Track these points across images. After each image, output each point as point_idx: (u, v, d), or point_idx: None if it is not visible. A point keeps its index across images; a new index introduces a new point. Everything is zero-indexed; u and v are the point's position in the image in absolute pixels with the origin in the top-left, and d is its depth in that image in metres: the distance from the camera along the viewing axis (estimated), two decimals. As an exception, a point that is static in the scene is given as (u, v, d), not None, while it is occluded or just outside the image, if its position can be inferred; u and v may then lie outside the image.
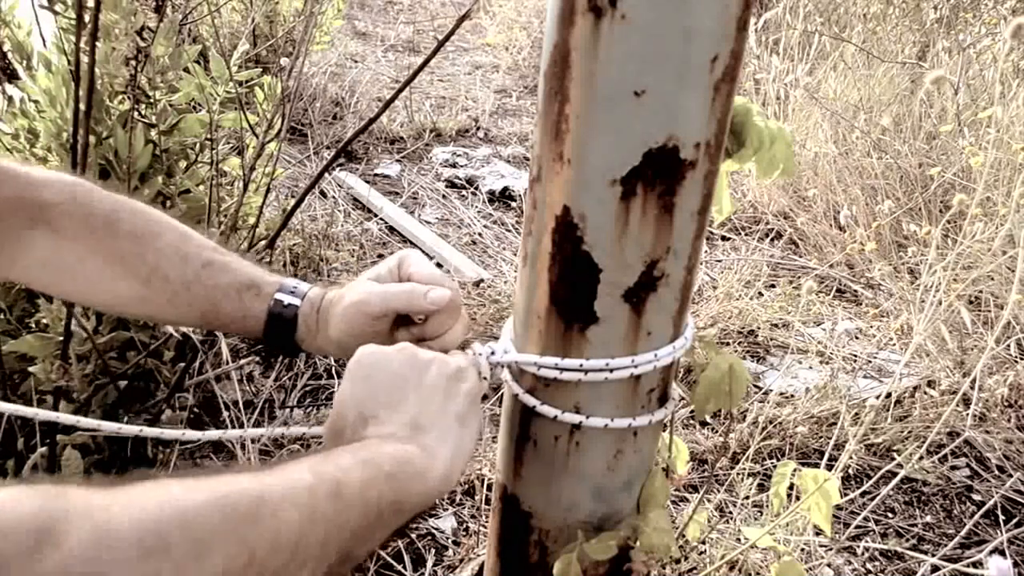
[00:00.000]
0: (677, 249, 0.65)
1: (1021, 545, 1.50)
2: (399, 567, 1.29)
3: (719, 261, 2.52)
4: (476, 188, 3.00)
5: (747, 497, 1.48)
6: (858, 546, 1.45)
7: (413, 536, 1.36)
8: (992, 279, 2.08)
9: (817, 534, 1.40)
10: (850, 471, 1.61)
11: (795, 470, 0.88)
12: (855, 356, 1.98)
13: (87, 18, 1.14)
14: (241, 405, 1.49)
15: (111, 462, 1.37)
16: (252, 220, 1.70)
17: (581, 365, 0.68)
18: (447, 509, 1.43)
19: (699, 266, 0.70)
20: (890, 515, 1.56)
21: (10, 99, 1.39)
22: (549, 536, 0.79)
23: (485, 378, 0.70)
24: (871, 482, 1.24)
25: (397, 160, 3.23)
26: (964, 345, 1.90)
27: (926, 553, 1.44)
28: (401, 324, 0.75)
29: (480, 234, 2.66)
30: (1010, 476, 1.64)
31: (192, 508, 0.44)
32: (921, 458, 1.63)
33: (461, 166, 3.20)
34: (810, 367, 1.90)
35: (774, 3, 3.22)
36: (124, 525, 0.41)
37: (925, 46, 3.18)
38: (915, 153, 2.54)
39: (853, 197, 2.55)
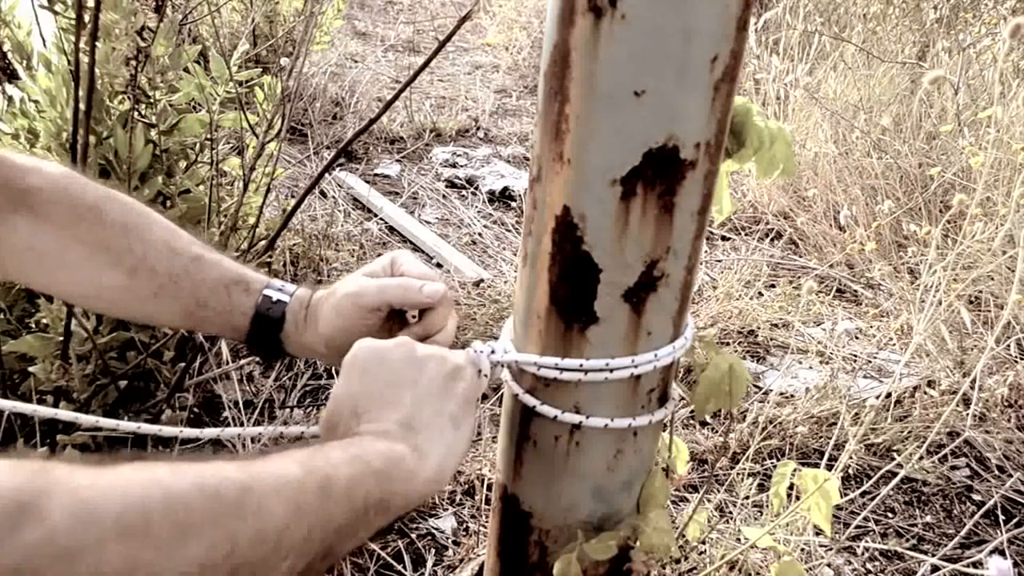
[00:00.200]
0: (677, 249, 0.65)
1: (1021, 545, 1.50)
2: (399, 567, 1.29)
3: (719, 261, 2.52)
4: (476, 188, 3.00)
5: (747, 497, 1.48)
6: (858, 546, 1.45)
7: (413, 536, 1.36)
8: (992, 279, 2.08)
9: (817, 534, 1.40)
10: (850, 471, 1.61)
11: (795, 470, 0.88)
12: (855, 356, 1.98)
13: (87, 18, 1.14)
14: (241, 405, 1.49)
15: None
16: (252, 220, 1.70)
17: (581, 365, 0.68)
18: (447, 509, 1.43)
19: (699, 266, 0.70)
20: (890, 515, 1.56)
21: (10, 99, 1.39)
22: (549, 536, 0.79)
23: (485, 376, 0.70)
24: (871, 482, 1.24)
25: (397, 160, 3.23)
26: (964, 345, 1.90)
27: (926, 553, 1.44)
28: (394, 322, 0.75)
29: (480, 234, 2.66)
30: (1010, 476, 1.64)
31: (177, 493, 0.44)
32: (921, 458, 1.63)
33: (461, 166, 3.20)
34: (810, 367, 1.90)
35: (774, 3, 3.22)
36: (107, 504, 0.41)
37: (925, 46, 3.18)
38: (915, 153, 2.54)
39: (853, 197, 2.55)
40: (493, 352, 0.71)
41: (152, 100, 1.42)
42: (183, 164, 1.54)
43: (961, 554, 1.44)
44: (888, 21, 3.27)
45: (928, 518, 1.55)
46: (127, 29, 1.28)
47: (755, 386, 1.85)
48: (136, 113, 1.39)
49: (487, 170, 3.14)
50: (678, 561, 1.31)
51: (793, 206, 2.73)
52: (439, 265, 2.41)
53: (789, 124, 2.85)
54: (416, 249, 2.52)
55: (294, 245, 2.22)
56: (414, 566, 1.30)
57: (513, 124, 3.79)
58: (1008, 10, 2.96)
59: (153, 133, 1.43)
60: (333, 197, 2.71)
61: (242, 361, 1.61)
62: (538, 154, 0.65)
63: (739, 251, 2.58)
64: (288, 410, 1.66)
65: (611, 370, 0.68)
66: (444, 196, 2.95)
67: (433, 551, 1.33)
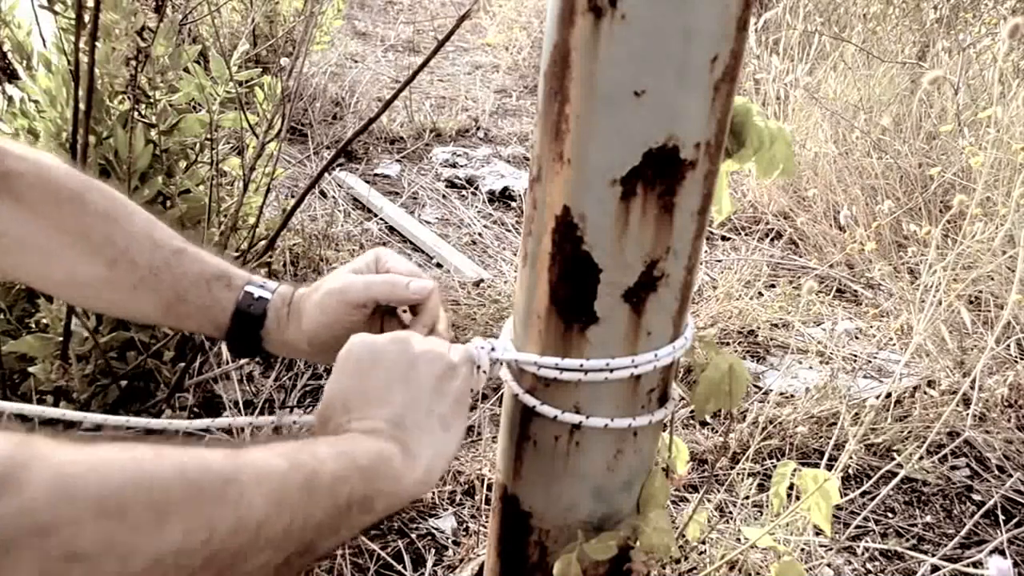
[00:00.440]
0: (677, 249, 0.65)
1: (1021, 545, 1.50)
2: (399, 567, 1.28)
3: (719, 261, 2.52)
4: (476, 188, 3.00)
5: (747, 497, 1.48)
6: (858, 546, 1.45)
7: (413, 536, 1.36)
8: (992, 279, 2.08)
9: (817, 534, 1.39)
10: (850, 471, 1.61)
11: (795, 470, 0.88)
12: (855, 356, 1.98)
13: (87, 18, 1.14)
14: (241, 405, 1.49)
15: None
16: (252, 220, 1.70)
17: (581, 365, 0.68)
18: (447, 509, 1.43)
19: (699, 266, 0.70)
20: (890, 515, 1.56)
21: (10, 99, 1.39)
22: (549, 536, 0.79)
23: (485, 372, 0.69)
24: (871, 482, 1.24)
25: (397, 160, 3.23)
26: (964, 345, 1.90)
27: (926, 553, 1.44)
28: (380, 320, 0.74)
29: (480, 234, 2.66)
30: (1010, 476, 1.64)
31: (158, 476, 0.43)
32: (921, 458, 1.63)
33: (461, 166, 3.20)
34: (810, 367, 1.90)
35: (774, 3, 3.22)
36: (86, 482, 0.40)
37: (925, 46, 3.18)
38: (915, 153, 2.54)
39: (853, 197, 2.55)
40: (494, 350, 0.71)
41: (152, 100, 1.42)
42: (183, 164, 1.54)
43: (961, 554, 1.44)
44: (888, 21, 3.27)
45: (928, 518, 1.55)
46: (127, 29, 1.28)
47: (755, 386, 1.85)
48: (136, 113, 1.39)
49: (487, 170, 3.14)
50: (678, 561, 1.31)
51: (793, 206, 2.73)
52: (439, 265, 2.41)
53: (789, 124, 2.85)
54: (416, 249, 2.53)
55: (294, 245, 2.22)
56: (414, 566, 1.30)
57: (513, 124, 3.79)
58: (1008, 10, 2.96)
59: (153, 133, 1.43)
60: (333, 197, 2.71)
61: (242, 361, 1.61)
62: (538, 154, 0.65)
63: (739, 251, 2.58)
64: (288, 410, 1.66)
65: (611, 370, 0.68)
66: (444, 196, 2.95)
67: (433, 551, 1.33)
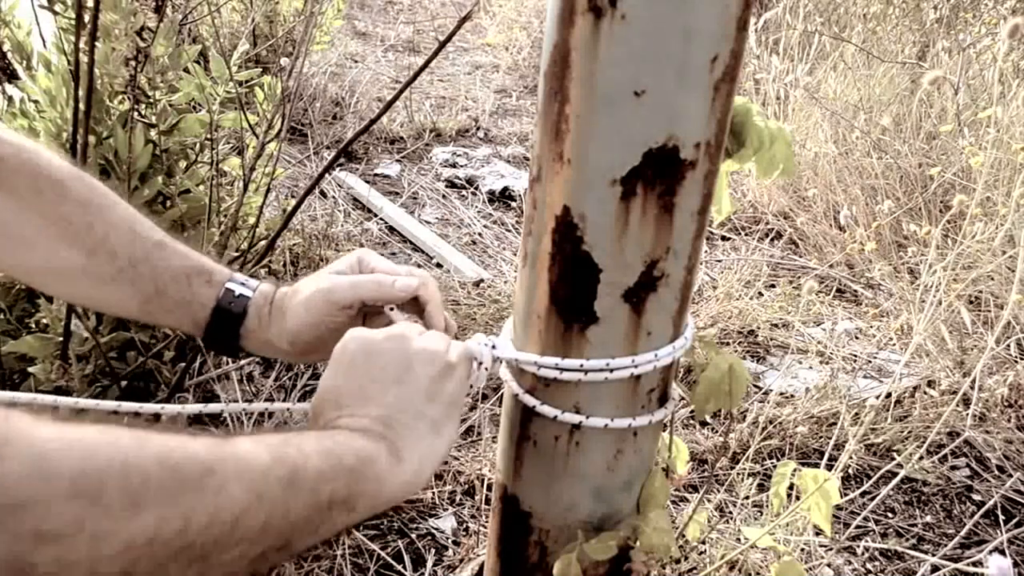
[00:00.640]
0: (677, 249, 0.65)
1: (1021, 545, 1.50)
2: (399, 567, 1.28)
3: (719, 261, 2.52)
4: (476, 188, 3.00)
5: (747, 497, 1.48)
6: (858, 546, 1.45)
7: (413, 536, 1.36)
8: (992, 279, 2.08)
9: (817, 534, 1.39)
10: (850, 471, 1.61)
11: (795, 470, 0.88)
12: (855, 356, 1.98)
13: (87, 18, 1.14)
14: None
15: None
16: (252, 220, 1.70)
17: (581, 365, 0.68)
18: (447, 509, 1.43)
19: (699, 266, 0.70)
20: (890, 515, 1.56)
21: (10, 99, 1.39)
22: (549, 536, 0.79)
23: (486, 369, 0.69)
24: (871, 482, 1.24)
25: (397, 160, 3.23)
26: (964, 345, 1.90)
27: (926, 553, 1.44)
28: (364, 321, 0.74)
29: (480, 234, 2.66)
30: (1010, 476, 1.64)
31: (136, 462, 0.43)
32: (921, 458, 1.63)
33: (461, 166, 3.20)
34: (810, 367, 1.90)
35: (774, 3, 3.22)
36: (64, 462, 0.40)
37: (925, 46, 3.18)
38: (915, 153, 2.54)
39: (853, 197, 2.55)
40: (495, 347, 0.71)
41: (152, 100, 1.42)
42: (183, 164, 1.54)
43: (961, 554, 1.44)
44: (888, 21, 3.27)
45: (928, 518, 1.55)
46: (127, 29, 1.28)
47: (755, 386, 1.85)
48: (136, 113, 1.39)
49: (487, 170, 3.14)
50: (678, 561, 1.31)
51: (793, 206, 2.73)
52: (439, 265, 2.41)
53: (789, 124, 2.85)
54: (416, 249, 2.53)
55: (294, 245, 2.22)
56: (414, 566, 1.30)
57: (513, 124, 3.79)
58: (1008, 10, 2.96)
59: (153, 133, 1.43)
60: (333, 197, 2.71)
61: (242, 361, 1.61)
62: (538, 154, 0.65)
63: (739, 251, 2.58)
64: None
65: (611, 370, 0.68)
66: (444, 196, 2.95)
67: (433, 551, 1.33)
